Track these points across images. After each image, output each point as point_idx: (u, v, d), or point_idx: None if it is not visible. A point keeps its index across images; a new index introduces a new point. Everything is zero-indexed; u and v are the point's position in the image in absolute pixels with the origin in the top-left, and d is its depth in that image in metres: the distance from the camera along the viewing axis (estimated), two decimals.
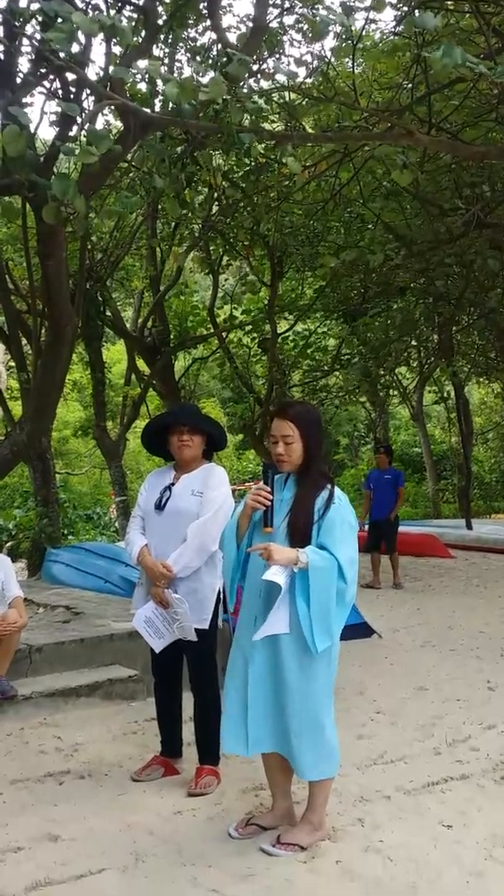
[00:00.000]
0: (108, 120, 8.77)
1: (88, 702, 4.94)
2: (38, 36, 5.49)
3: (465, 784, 3.84)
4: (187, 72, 7.96)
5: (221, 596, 3.93)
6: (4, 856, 3.14)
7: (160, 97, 5.69)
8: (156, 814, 3.53)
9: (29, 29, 5.58)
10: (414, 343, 15.59)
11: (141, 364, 15.61)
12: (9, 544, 13.21)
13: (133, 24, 6.30)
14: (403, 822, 3.42)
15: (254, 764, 3.77)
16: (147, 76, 5.01)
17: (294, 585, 3.09)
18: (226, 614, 5.29)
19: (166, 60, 7.76)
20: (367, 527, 10.07)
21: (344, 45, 6.68)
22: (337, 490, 3.24)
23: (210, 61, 7.39)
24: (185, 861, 3.09)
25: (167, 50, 7.60)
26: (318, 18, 4.32)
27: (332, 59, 7.62)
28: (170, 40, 7.15)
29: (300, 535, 3.15)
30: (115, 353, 21.30)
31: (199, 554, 3.76)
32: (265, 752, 3.29)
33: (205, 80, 4.22)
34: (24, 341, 10.78)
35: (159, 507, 3.85)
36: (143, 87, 6.08)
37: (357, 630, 6.70)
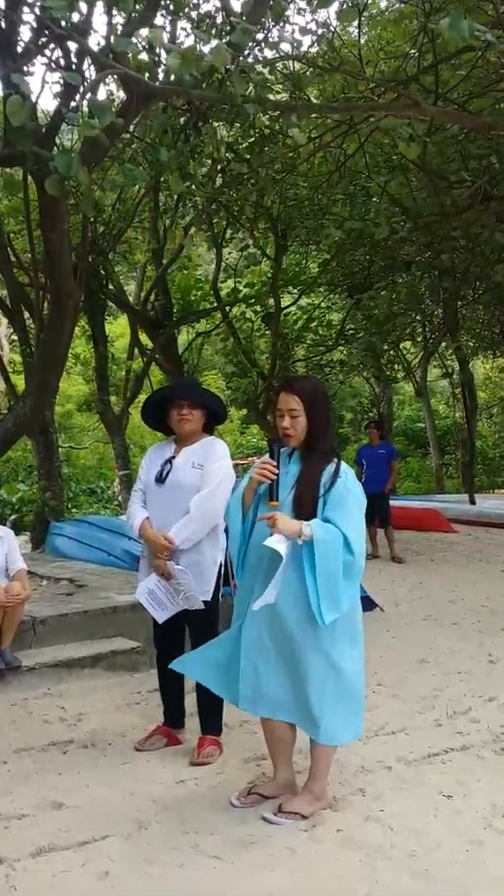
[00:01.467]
0: (110, 90, 8.67)
1: (92, 673, 4.99)
2: (39, 4, 5.40)
3: (466, 755, 3.88)
4: (190, 41, 7.86)
5: (223, 569, 3.95)
6: (9, 823, 3.19)
7: (163, 67, 5.61)
8: (158, 783, 3.57)
9: None
10: (419, 318, 15.49)
11: (144, 338, 15.56)
12: (12, 517, 13.29)
13: None
14: (404, 793, 3.46)
15: (256, 734, 3.81)
16: (149, 46, 4.95)
17: (295, 558, 3.10)
18: (227, 587, 5.33)
19: (168, 29, 7.66)
20: None
21: (349, 8, 6.57)
22: (343, 464, 3.24)
23: (214, 30, 7.29)
24: (187, 829, 3.13)
25: (169, 18, 7.50)
26: None
27: (338, 28, 7.50)
28: (172, 8, 7.05)
29: (306, 508, 3.16)
30: (118, 328, 21.24)
31: (202, 526, 3.78)
32: (271, 721, 3.31)
33: (207, 49, 4.15)
34: (26, 315, 10.74)
35: (160, 480, 3.87)
36: (145, 56, 6.01)
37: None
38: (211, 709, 3.87)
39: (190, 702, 4.10)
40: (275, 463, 3.19)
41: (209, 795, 3.45)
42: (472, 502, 15.46)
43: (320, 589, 3.06)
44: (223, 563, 3.96)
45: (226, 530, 3.69)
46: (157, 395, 4.18)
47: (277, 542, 3.05)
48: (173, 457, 3.91)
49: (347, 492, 3.17)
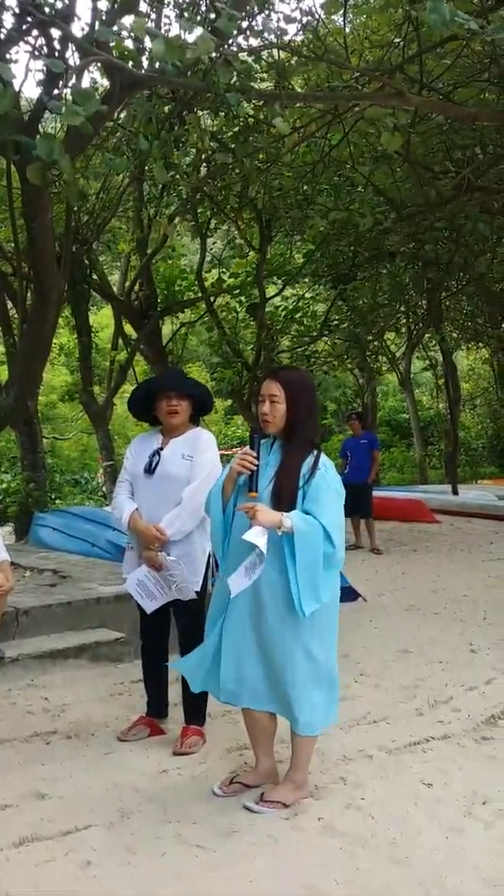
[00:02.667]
0: (94, 78, 8.61)
1: (75, 664, 4.99)
2: None
3: (446, 744, 3.91)
4: (175, 29, 7.81)
5: (211, 560, 3.96)
6: None
7: (147, 55, 5.58)
8: (141, 773, 3.58)
9: None
10: (403, 309, 15.53)
11: (128, 328, 15.51)
12: None
13: None
14: (385, 781, 3.49)
15: (238, 724, 3.83)
16: (133, 34, 4.91)
17: (274, 551, 3.10)
18: (214, 577, 5.34)
19: (153, 16, 7.60)
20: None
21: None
22: (323, 457, 3.24)
23: (199, 18, 7.25)
24: (169, 818, 3.15)
25: (154, 6, 7.44)
26: None
27: (323, 16, 7.47)
28: None
29: (285, 500, 3.16)
30: (102, 318, 21.14)
31: (193, 517, 3.78)
32: (252, 711, 3.33)
33: (192, 37, 4.13)
34: (9, 304, 10.68)
35: (149, 471, 3.86)
36: (129, 44, 5.97)
37: (342, 594, 6.74)
38: (195, 699, 3.88)
39: (173, 692, 4.11)
40: (255, 454, 3.20)
41: (192, 785, 3.47)
42: (455, 493, 15.54)
43: (300, 580, 3.07)
44: (211, 553, 3.97)
45: None
46: (144, 386, 4.16)
47: (256, 536, 3.05)
48: (161, 448, 3.91)
49: (326, 484, 3.17)
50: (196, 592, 3.84)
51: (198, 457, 3.83)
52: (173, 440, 3.91)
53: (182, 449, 3.86)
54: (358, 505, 10.11)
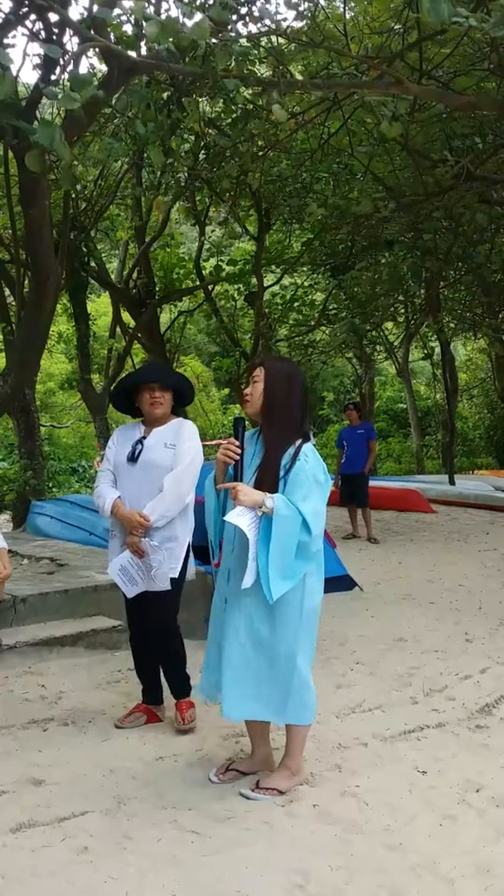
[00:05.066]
0: (92, 64, 8.56)
1: (72, 651, 5.00)
2: None
3: (441, 732, 3.93)
4: (174, 13, 7.74)
5: (191, 547, 4.02)
6: None
7: (146, 41, 5.53)
8: (138, 759, 3.60)
9: None
10: (401, 298, 15.49)
11: (126, 317, 15.46)
12: None
13: None
14: (379, 769, 3.51)
15: None
16: (132, 17, 4.87)
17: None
18: (208, 566, 5.36)
19: (153, 0, 7.53)
20: (339, 483, 10.16)
21: None
22: (306, 445, 3.24)
23: (197, 2, 7.18)
24: (166, 804, 3.16)
25: None
26: None
27: (323, 2, 7.42)
28: None
29: (266, 490, 3.17)
30: (100, 306, 21.10)
31: (175, 504, 3.82)
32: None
33: (191, 23, 4.09)
34: (7, 292, 10.64)
35: (132, 459, 3.91)
36: (128, 28, 5.92)
37: (339, 582, 6.79)
38: (179, 677, 3.99)
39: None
40: (237, 443, 3.21)
41: (188, 772, 3.49)
42: (452, 483, 15.55)
43: (271, 561, 3.08)
44: (191, 542, 4.01)
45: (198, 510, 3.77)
46: (128, 379, 4.26)
47: (238, 516, 3.07)
48: (144, 437, 3.96)
49: (305, 473, 3.17)
50: (173, 580, 3.87)
51: (180, 445, 3.89)
52: (156, 430, 3.97)
53: (165, 438, 3.92)
54: (354, 494, 10.14)
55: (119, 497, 3.91)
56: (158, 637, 3.98)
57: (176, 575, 3.89)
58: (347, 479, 10.20)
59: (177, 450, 3.86)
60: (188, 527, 3.96)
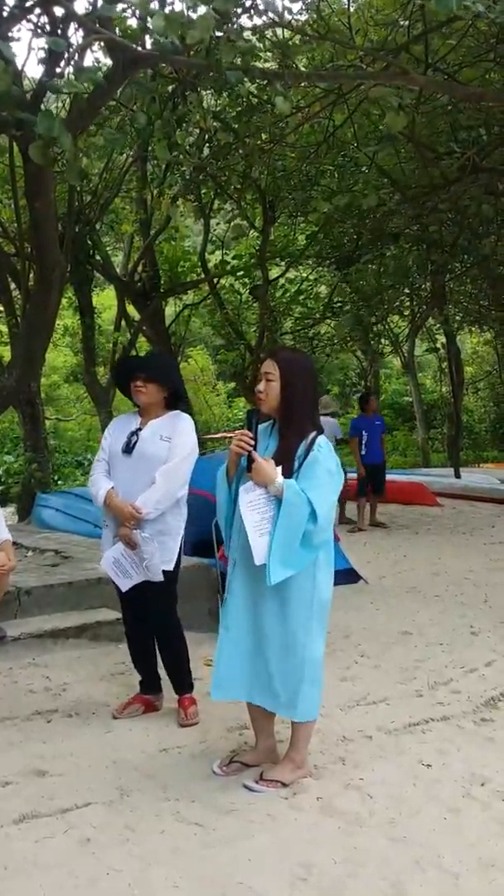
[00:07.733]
0: (97, 57, 8.54)
1: (76, 643, 5.01)
2: None
3: (446, 725, 3.93)
4: (179, 7, 7.71)
5: (183, 540, 4.02)
6: None
7: (150, 34, 5.51)
8: (141, 751, 3.61)
9: None
10: (406, 291, 15.44)
11: (131, 310, 15.44)
12: None
13: None
14: (384, 761, 3.51)
15: (239, 703, 3.84)
16: (136, 11, 4.85)
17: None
18: (212, 559, 5.37)
19: None
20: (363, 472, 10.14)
21: None
22: (320, 438, 3.23)
23: None
24: (169, 796, 3.17)
25: None
26: None
27: None
28: None
29: None
30: (105, 299, 21.05)
31: (168, 496, 3.82)
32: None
33: (196, 15, 4.07)
34: (12, 285, 10.64)
35: (127, 450, 3.91)
36: (133, 22, 5.90)
37: (344, 576, 6.78)
38: (180, 671, 4.00)
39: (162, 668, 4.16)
40: (251, 434, 3.20)
41: (191, 763, 3.50)
42: (458, 476, 15.55)
43: (274, 546, 3.07)
44: (184, 536, 4.02)
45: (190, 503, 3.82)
46: (121, 365, 4.26)
47: (244, 492, 3.10)
48: (140, 428, 3.96)
49: (318, 464, 3.16)
50: (166, 573, 3.87)
51: (175, 438, 3.89)
52: (152, 422, 3.97)
53: (161, 430, 3.92)
54: (378, 484, 10.20)
55: (112, 487, 3.91)
56: (159, 632, 3.99)
57: (170, 568, 3.90)
58: (371, 469, 10.21)
59: (172, 443, 3.87)
60: (181, 519, 3.96)
